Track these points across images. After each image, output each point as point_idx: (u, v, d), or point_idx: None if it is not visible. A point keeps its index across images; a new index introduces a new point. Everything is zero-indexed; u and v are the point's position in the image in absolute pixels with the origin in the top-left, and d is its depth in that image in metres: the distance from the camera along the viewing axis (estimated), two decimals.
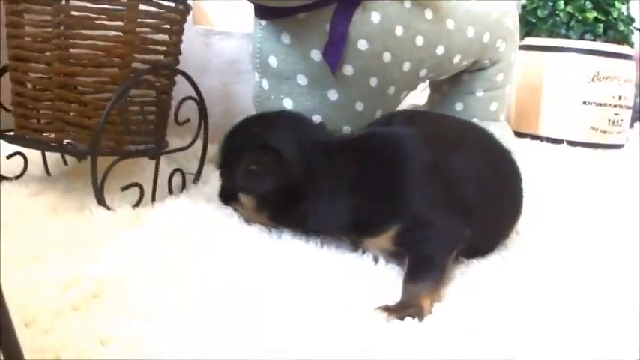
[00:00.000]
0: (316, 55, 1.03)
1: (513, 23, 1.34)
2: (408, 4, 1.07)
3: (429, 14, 1.11)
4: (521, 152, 1.53)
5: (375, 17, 1.03)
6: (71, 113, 0.98)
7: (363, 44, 1.03)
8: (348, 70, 1.04)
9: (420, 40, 1.10)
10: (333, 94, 1.07)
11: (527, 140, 1.70)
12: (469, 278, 0.79)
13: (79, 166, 1.20)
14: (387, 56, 1.06)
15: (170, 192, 1.08)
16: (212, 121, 1.42)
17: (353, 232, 0.86)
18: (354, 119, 1.10)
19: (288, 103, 1.08)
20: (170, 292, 0.68)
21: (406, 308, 0.68)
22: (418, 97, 1.57)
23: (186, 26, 1.37)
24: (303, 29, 1.03)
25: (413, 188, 0.82)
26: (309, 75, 1.06)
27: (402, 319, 0.65)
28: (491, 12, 1.25)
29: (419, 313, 0.68)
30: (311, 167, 0.85)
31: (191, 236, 0.85)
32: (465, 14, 1.18)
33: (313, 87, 1.06)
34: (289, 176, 0.85)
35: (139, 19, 0.96)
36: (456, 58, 1.21)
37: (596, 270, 0.84)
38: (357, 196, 0.84)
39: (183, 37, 1.36)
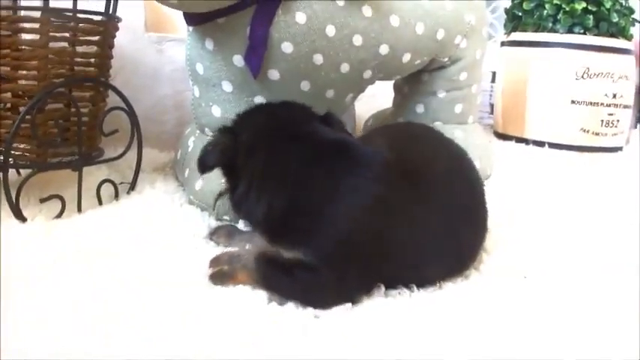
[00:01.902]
0: (239, 60, 0.98)
1: (477, 17, 1.24)
2: (341, 2, 1.00)
3: (367, 11, 1.04)
4: (499, 157, 1.44)
5: (301, 17, 0.97)
6: None
7: (287, 47, 0.97)
8: (274, 74, 0.99)
9: (357, 40, 1.03)
10: (260, 100, 1.01)
11: (511, 143, 1.59)
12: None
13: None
14: (318, 58, 1.00)
15: (100, 203, 1.05)
16: (165, 129, 1.40)
17: (267, 234, 0.77)
18: None
19: (216, 111, 1.04)
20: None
21: (225, 265, 0.75)
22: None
23: (137, 34, 1.35)
24: (224, 34, 0.98)
25: (341, 222, 0.71)
26: (233, 81, 1.00)
27: (214, 277, 0.73)
28: (445, 5, 1.16)
29: (228, 277, 0.73)
30: (260, 152, 0.76)
31: (85, 250, 0.82)
32: (412, 9, 1.10)
33: (239, 93, 1.01)
34: (229, 154, 0.77)
35: (51, 33, 0.94)
36: (405, 57, 1.13)
37: (591, 273, 0.83)
38: (282, 197, 0.74)
39: (135, 45, 1.34)
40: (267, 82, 0.99)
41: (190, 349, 0.55)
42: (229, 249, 0.87)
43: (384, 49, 1.08)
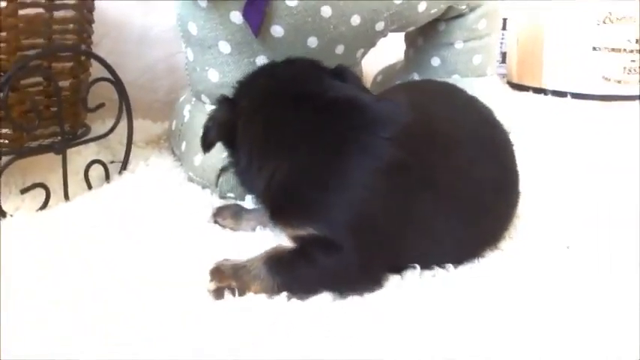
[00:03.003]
0: (237, 17, 0.86)
1: None
2: None
3: None
4: (519, 110, 1.34)
5: None
6: None
7: None
8: (277, 31, 0.87)
9: None
10: (262, 61, 0.90)
11: (529, 94, 1.48)
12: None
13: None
14: (326, 10, 0.88)
15: (89, 187, 0.94)
16: (158, 97, 1.28)
17: (271, 210, 0.69)
18: None
19: (213, 75, 0.92)
20: None
21: (232, 280, 0.62)
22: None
23: None
24: None
25: (355, 190, 0.63)
26: (231, 41, 0.89)
27: (218, 293, 0.62)
28: None
29: (239, 291, 0.62)
30: (258, 117, 0.70)
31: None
32: None
33: (238, 55, 0.90)
34: (228, 126, 0.71)
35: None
36: (421, 6, 1.01)
37: (600, 259, 0.74)
38: (285, 164, 0.66)
39: (119, 5, 1.21)
40: (270, 40, 0.88)
41: (190, 349, 0.54)
42: (231, 259, 0.71)
43: None
